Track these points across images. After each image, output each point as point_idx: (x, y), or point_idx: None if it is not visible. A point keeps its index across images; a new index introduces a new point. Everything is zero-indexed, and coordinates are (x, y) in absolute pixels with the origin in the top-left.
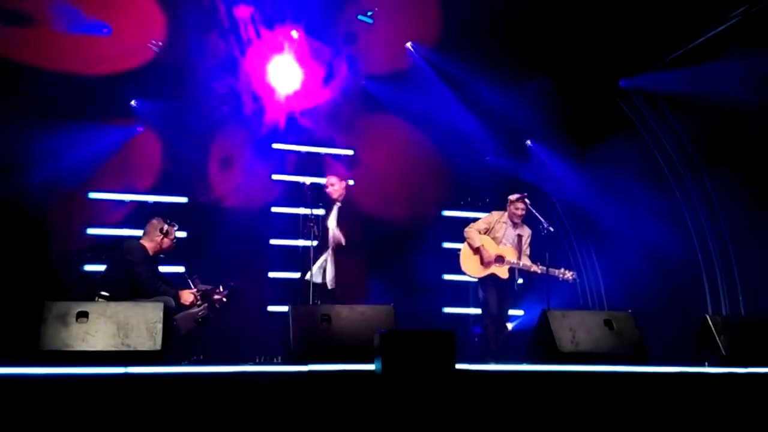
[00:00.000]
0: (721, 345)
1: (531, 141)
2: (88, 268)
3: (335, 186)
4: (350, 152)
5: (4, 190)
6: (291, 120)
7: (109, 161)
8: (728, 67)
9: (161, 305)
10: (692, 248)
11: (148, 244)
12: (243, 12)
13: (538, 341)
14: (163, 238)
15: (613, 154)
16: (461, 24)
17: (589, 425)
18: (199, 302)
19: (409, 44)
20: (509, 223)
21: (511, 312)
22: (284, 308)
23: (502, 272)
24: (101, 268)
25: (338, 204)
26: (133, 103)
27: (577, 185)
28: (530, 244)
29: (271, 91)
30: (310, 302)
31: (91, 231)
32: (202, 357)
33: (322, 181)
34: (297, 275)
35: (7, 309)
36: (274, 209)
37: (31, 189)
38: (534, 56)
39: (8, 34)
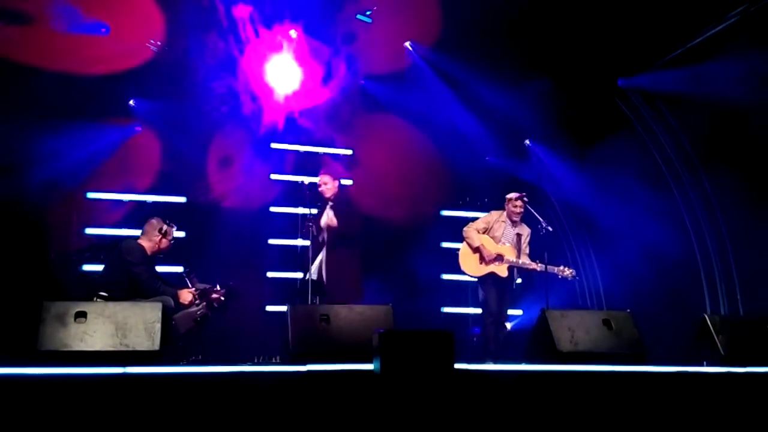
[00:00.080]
0: (719, 344)
1: (530, 141)
2: (86, 268)
3: (328, 185)
4: (349, 152)
5: (2, 190)
6: (290, 120)
7: (108, 161)
8: (727, 67)
9: (160, 305)
10: (691, 248)
11: (147, 244)
12: (242, 11)
13: (537, 341)
14: (161, 239)
15: (611, 154)
16: (460, 23)
17: (588, 425)
18: (197, 301)
19: (408, 44)
20: (508, 222)
21: (510, 312)
22: (283, 308)
23: (502, 271)
24: (100, 268)
25: (330, 203)
26: (131, 102)
27: (575, 185)
28: (529, 243)
29: (269, 90)
30: (309, 302)
31: (89, 231)
32: (200, 357)
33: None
34: (295, 275)
35: (6, 309)
36: (272, 209)
37: (29, 189)
38: (533, 56)
39: (7, 34)
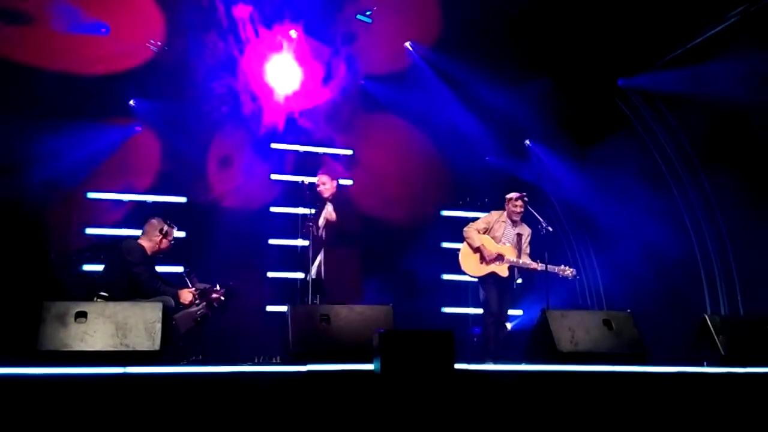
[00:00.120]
0: (719, 345)
1: (530, 141)
2: (86, 268)
3: (326, 185)
4: (349, 152)
5: (2, 190)
6: (290, 120)
7: (108, 161)
8: (727, 67)
9: (160, 305)
10: (691, 248)
11: (147, 244)
12: (242, 11)
13: (537, 341)
14: (162, 239)
15: (611, 154)
16: (460, 23)
17: (588, 425)
18: (197, 301)
19: (408, 44)
20: (508, 222)
21: (511, 312)
22: (283, 308)
23: (502, 270)
24: (100, 268)
25: (329, 203)
26: (131, 102)
27: (576, 185)
28: (530, 243)
29: (269, 90)
30: (310, 302)
31: (89, 231)
32: (201, 357)
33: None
34: (296, 275)
35: (6, 309)
36: (273, 209)
37: (29, 189)
38: (533, 56)
39: (7, 34)
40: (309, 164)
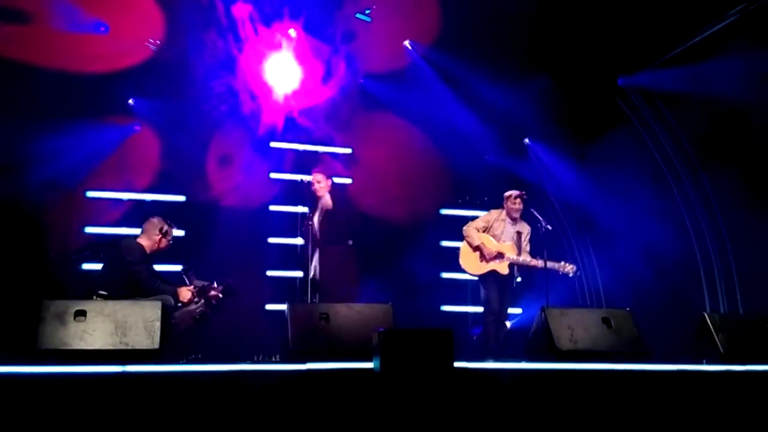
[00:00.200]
0: (719, 343)
1: (529, 139)
2: (86, 266)
3: (321, 183)
4: (348, 151)
5: (2, 189)
6: (289, 118)
7: (107, 160)
8: (726, 66)
9: (159, 304)
10: (690, 246)
11: (146, 243)
12: (241, 10)
13: (537, 339)
14: (161, 238)
15: (611, 153)
16: (459, 22)
17: (587, 423)
18: (196, 299)
19: (407, 42)
20: (508, 220)
21: (510, 310)
22: (283, 307)
23: (503, 268)
24: (99, 266)
25: (321, 203)
26: (130, 101)
27: (575, 183)
28: (530, 241)
29: (269, 89)
30: (309, 301)
31: (89, 230)
32: (200, 356)
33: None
34: (295, 274)
35: (6, 308)
36: (272, 208)
37: (29, 188)
38: (532, 54)
39: (6, 32)
40: (308, 163)
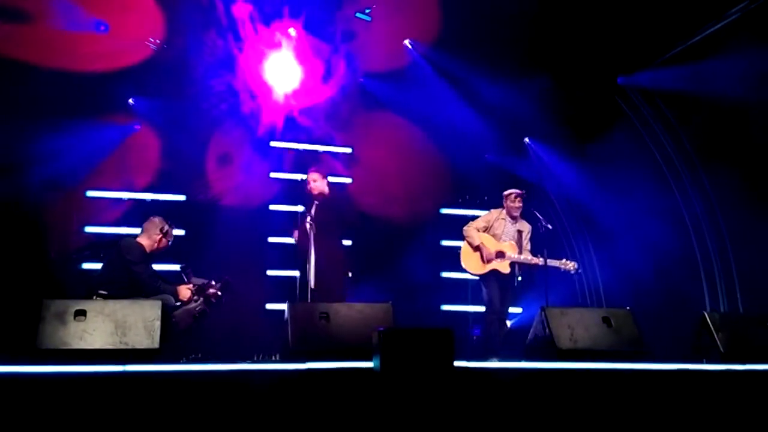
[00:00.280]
0: (719, 342)
1: (529, 138)
2: (86, 266)
3: (317, 182)
4: (348, 150)
5: (2, 189)
6: (289, 118)
7: (107, 159)
8: (727, 65)
9: (159, 303)
10: (690, 245)
11: (146, 242)
12: (241, 9)
13: (537, 338)
14: (161, 238)
15: (611, 152)
16: (459, 21)
17: (587, 423)
18: (195, 297)
19: (407, 42)
20: (508, 219)
21: (511, 309)
22: (283, 306)
23: (504, 267)
24: (99, 266)
25: (317, 202)
26: (130, 101)
27: (575, 183)
28: (530, 240)
29: (269, 88)
30: (309, 300)
31: (89, 229)
32: (200, 355)
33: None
34: (295, 273)
35: (6, 307)
36: (272, 207)
37: (29, 188)
38: (532, 54)
39: (6, 32)
40: (308, 162)
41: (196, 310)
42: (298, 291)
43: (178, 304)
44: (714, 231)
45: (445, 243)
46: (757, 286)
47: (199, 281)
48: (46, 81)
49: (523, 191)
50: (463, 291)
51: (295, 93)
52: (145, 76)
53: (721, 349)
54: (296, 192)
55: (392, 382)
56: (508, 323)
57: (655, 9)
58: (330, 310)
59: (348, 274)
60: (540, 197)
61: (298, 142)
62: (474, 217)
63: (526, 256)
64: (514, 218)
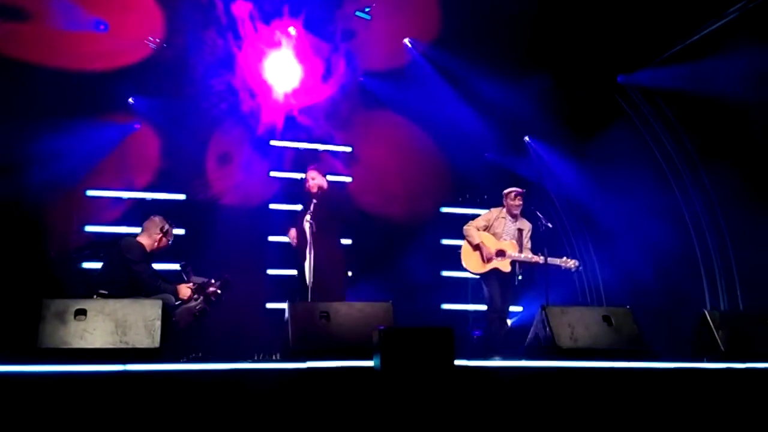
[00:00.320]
0: (719, 340)
1: (529, 137)
2: (86, 265)
3: (316, 180)
4: (348, 149)
5: (2, 188)
6: (289, 117)
7: (107, 158)
8: (726, 63)
9: (159, 302)
10: (690, 244)
11: (146, 241)
12: (241, 8)
13: (537, 337)
14: (162, 237)
15: (611, 151)
16: (459, 20)
17: (587, 421)
18: (195, 296)
19: (407, 40)
20: (508, 217)
21: (511, 308)
22: (283, 305)
23: (504, 266)
24: (99, 265)
25: (315, 200)
26: (130, 100)
27: (575, 181)
28: (531, 238)
29: (268, 87)
30: (309, 299)
31: (89, 228)
32: (200, 354)
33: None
34: (295, 272)
35: (6, 307)
36: (272, 206)
37: (29, 187)
38: (532, 53)
39: (5, 30)
40: (308, 161)
41: (197, 308)
42: (299, 289)
43: (179, 303)
44: (714, 229)
45: (445, 242)
46: (758, 284)
47: (199, 280)
48: (46, 80)
49: (523, 190)
50: (464, 290)
51: (295, 92)
52: (145, 75)
53: (722, 348)
54: (296, 191)
55: (393, 381)
56: (509, 322)
57: (655, 8)
58: (330, 309)
59: (347, 274)
60: (540, 196)
61: (298, 141)
62: (474, 216)
63: (527, 255)
64: (514, 217)
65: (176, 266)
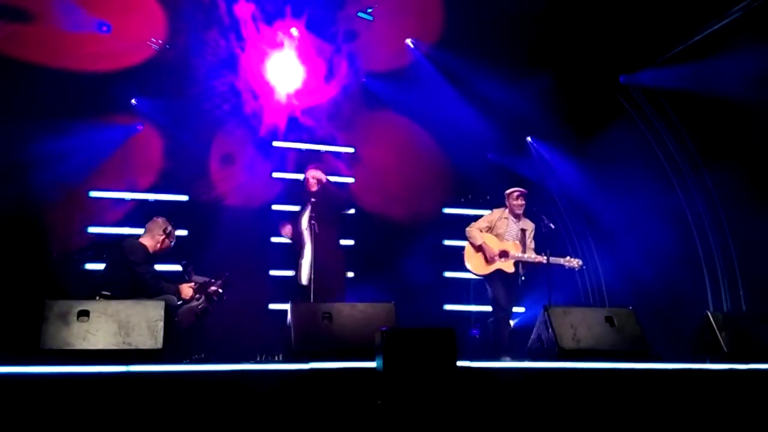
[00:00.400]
0: (722, 341)
1: (532, 137)
2: (89, 266)
3: (315, 175)
4: (351, 150)
5: (5, 189)
6: (291, 118)
7: (110, 159)
8: (729, 63)
9: (162, 303)
10: (693, 244)
11: (149, 242)
12: (243, 9)
13: (540, 338)
14: (164, 238)
15: (613, 151)
16: (461, 20)
17: (590, 422)
18: (197, 295)
19: (409, 41)
20: (511, 218)
21: (514, 309)
22: (285, 306)
23: (508, 267)
24: (102, 266)
25: (313, 199)
26: (133, 101)
27: (577, 181)
28: (534, 238)
29: (271, 88)
30: (311, 300)
31: (92, 230)
32: (203, 355)
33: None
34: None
35: (9, 308)
36: (274, 207)
37: (31, 188)
38: (534, 53)
39: (8, 31)
40: (311, 162)
41: (199, 308)
42: (296, 290)
43: (181, 302)
44: (717, 229)
45: (448, 243)
46: (760, 285)
47: (200, 279)
48: (49, 81)
49: (526, 190)
50: (466, 291)
51: (298, 93)
52: (148, 76)
53: (724, 348)
54: (299, 192)
55: (395, 382)
56: (512, 323)
57: (657, 7)
58: (332, 310)
59: (348, 274)
60: (542, 196)
61: (301, 142)
62: (476, 217)
63: (530, 255)
64: (516, 217)
65: (178, 267)
